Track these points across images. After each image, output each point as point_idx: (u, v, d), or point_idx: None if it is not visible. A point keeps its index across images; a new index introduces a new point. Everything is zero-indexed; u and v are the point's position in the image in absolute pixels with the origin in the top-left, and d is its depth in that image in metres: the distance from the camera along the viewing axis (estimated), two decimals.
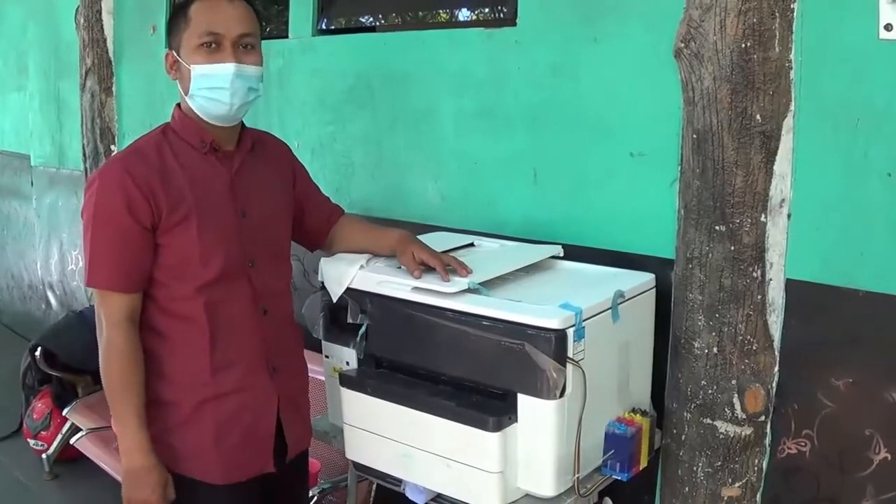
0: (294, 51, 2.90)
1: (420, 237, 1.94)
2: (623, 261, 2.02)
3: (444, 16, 2.63)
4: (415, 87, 2.53)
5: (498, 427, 1.63)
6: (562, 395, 1.61)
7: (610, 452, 1.76)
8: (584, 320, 1.64)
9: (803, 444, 1.85)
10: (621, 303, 1.77)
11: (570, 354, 1.60)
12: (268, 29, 3.31)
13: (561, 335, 1.58)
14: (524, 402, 1.63)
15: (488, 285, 1.77)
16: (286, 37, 2.95)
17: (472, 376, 1.72)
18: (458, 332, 1.69)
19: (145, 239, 1.62)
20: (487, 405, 1.68)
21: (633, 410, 1.87)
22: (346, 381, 1.87)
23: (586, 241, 2.13)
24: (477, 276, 1.77)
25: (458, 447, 1.69)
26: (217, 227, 1.67)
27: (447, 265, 1.79)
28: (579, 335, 1.62)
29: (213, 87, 1.65)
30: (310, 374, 1.95)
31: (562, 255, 2.05)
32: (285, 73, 2.93)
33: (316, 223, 1.95)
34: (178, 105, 1.73)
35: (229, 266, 1.67)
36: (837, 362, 1.78)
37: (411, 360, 1.82)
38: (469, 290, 1.73)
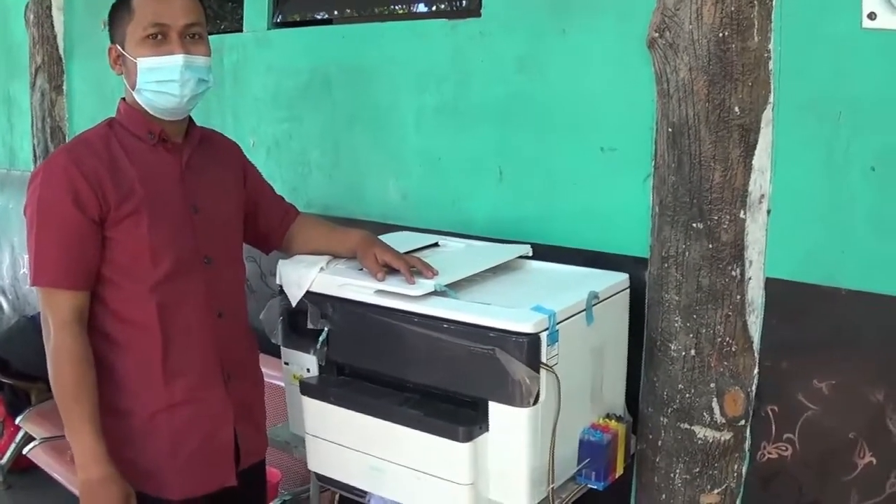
0: (249, 45, 2.79)
1: (382, 237, 1.85)
2: (594, 260, 1.94)
3: (400, 10, 2.52)
4: (374, 82, 2.43)
5: (468, 437, 1.54)
6: (535, 402, 1.52)
7: (585, 461, 1.68)
8: (558, 323, 1.56)
9: (784, 448, 1.78)
10: (595, 304, 1.69)
11: (543, 359, 1.52)
12: (222, 25, 3.20)
13: (534, 339, 1.50)
14: (496, 410, 1.54)
15: (455, 287, 1.68)
16: (241, 30, 2.83)
17: (440, 384, 1.62)
18: (424, 338, 1.60)
19: (93, 232, 1.52)
20: (457, 414, 1.59)
21: (608, 416, 1.79)
22: (308, 389, 1.77)
23: (556, 240, 2.04)
24: (443, 277, 1.68)
25: (427, 458, 1.60)
26: (168, 223, 1.58)
27: (412, 267, 1.70)
28: (553, 339, 1.54)
29: (162, 80, 1.55)
30: (269, 381, 1.85)
31: (531, 254, 1.97)
32: (240, 69, 2.81)
33: (271, 223, 1.86)
34: (124, 99, 1.64)
35: (181, 264, 1.58)
36: (820, 363, 1.72)
37: (375, 367, 1.72)
38: (435, 293, 1.64)
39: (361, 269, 1.77)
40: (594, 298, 1.69)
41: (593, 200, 1.99)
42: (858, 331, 1.66)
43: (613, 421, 1.76)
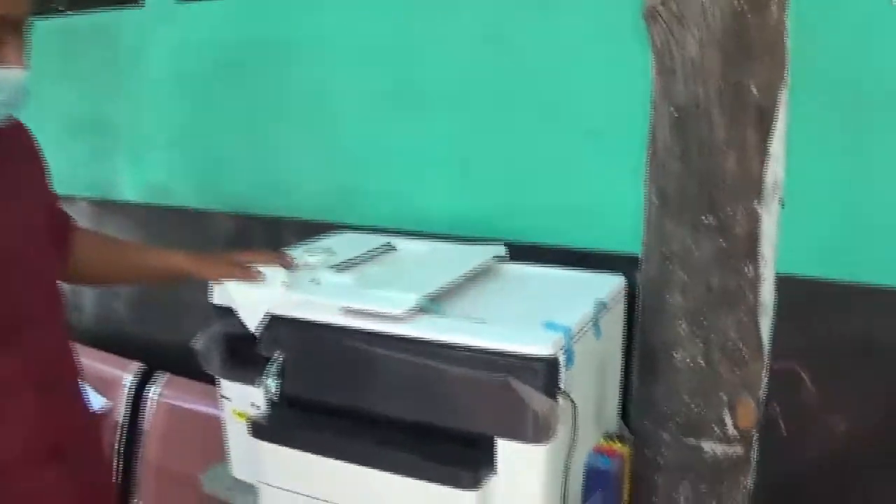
0: (150, 22, 2.40)
1: (320, 239, 1.57)
2: (578, 260, 1.72)
3: None
4: (303, 60, 2.12)
5: (475, 483, 1.29)
6: (552, 436, 1.28)
7: (597, 492, 1.46)
8: (573, 342, 1.32)
9: (794, 460, 1.63)
10: (602, 315, 1.47)
11: (561, 386, 1.28)
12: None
13: (552, 363, 1.26)
14: (505, 448, 1.29)
15: (433, 301, 1.43)
16: (140, 4, 2.44)
17: (429, 419, 1.36)
18: (408, 365, 1.33)
19: None
20: (456, 455, 1.33)
21: (608, 436, 1.58)
22: (262, 431, 1.47)
23: (531, 238, 1.82)
24: (419, 289, 1.41)
25: None
26: None
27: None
28: (570, 361, 1.31)
29: None
30: (201, 409, 1.52)
31: (506, 255, 1.73)
32: (139, 50, 2.43)
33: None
34: None
35: None
36: (835, 367, 1.56)
37: (342, 401, 1.44)
38: (419, 310, 1.37)
39: (319, 283, 1.49)
40: (602, 308, 1.46)
41: (575, 192, 1.77)
42: (880, 330, 1.51)
43: (617, 442, 1.55)
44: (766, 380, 1.60)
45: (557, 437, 1.29)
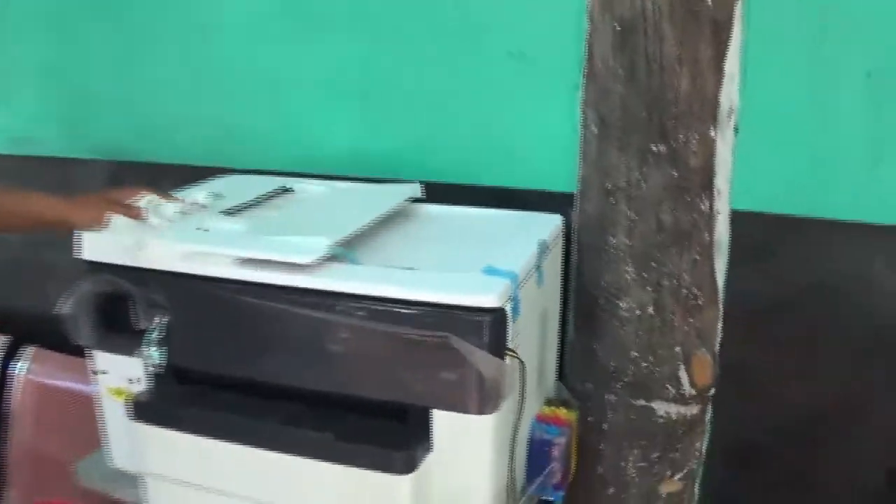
0: None
1: (204, 183, 1.33)
2: (502, 199, 1.51)
3: None
4: None
5: (409, 465, 1.07)
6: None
7: (547, 467, 1.27)
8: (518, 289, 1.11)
9: (751, 419, 1.48)
10: (545, 258, 1.27)
11: (509, 343, 1.07)
12: None
13: (499, 316, 1.04)
14: (443, 421, 1.08)
15: (347, 248, 1.19)
16: None
17: (348, 389, 1.13)
18: (321, 325, 1.09)
19: None
20: (383, 432, 1.10)
21: (550, 402, 1.40)
22: (145, 412, 1.22)
23: (445, 177, 1.58)
24: (325, 233, 1.16)
25: (345, 501, 1.11)
26: None
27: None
28: (516, 312, 1.10)
29: None
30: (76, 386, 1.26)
31: (422, 196, 1.50)
32: None
33: None
34: None
35: None
36: (796, 312, 1.42)
37: (240, 371, 1.19)
38: (332, 258, 1.14)
39: (207, 231, 1.24)
40: (545, 250, 1.26)
41: (497, 122, 1.54)
42: (845, 270, 1.37)
43: (562, 408, 1.36)
44: (720, 330, 1.44)
45: (505, 404, 1.08)
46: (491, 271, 1.09)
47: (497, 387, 1.04)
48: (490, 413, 1.06)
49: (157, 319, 1.21)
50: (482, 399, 1.04)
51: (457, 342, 1.02)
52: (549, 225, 1.34)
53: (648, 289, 1.40)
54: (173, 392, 1.25)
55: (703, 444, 1.49)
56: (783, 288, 1.44)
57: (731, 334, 1.42)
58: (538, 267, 1.23)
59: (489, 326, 1.03)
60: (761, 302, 1.45)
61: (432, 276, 1.10)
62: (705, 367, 1.42)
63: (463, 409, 1.06)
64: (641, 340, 1.42)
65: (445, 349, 1.03)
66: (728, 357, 1.44)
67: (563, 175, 1.49)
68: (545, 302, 1.31)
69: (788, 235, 1.41)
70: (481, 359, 1.03)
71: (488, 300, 1.03)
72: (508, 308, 1.06)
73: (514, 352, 1.08)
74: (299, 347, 1.12)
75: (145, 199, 1.29)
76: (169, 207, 1.29)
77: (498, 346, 1.05)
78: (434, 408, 1.08)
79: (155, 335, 1.21)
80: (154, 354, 1.21)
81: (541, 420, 1.32)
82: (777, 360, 1.47)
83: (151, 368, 1.24)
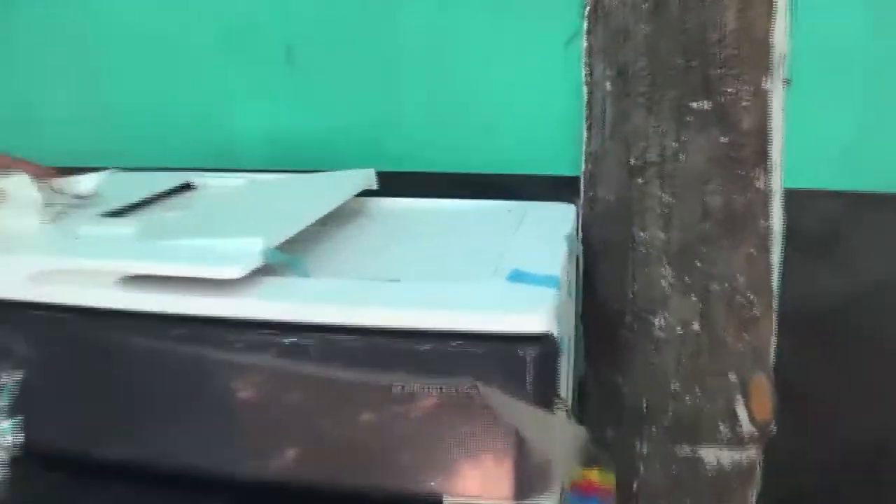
0: None
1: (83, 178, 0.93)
2: (478, 189, 1.14)
3: None
4: None
5: None
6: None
7: None
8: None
9: (806, 455, 1.16)
10: (570, 262, 0.90)
11: (559, 388, 0.70)
12: None
13: (548, 347, 0.67)
14: None
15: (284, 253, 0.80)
16: None
17: (308, 477, 0.72)
18: (263, 377, 0.70)
19: None
20: None
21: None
22: None
23: (404, 164, 1.21)
24: (255, 234, 0.76)
25: None
26: None
27: None
28: (562, 343, 0.72)
29: None
30: None
31: (376, 187, 1.10)
32: None
33: None
34: None
35: None
36: (860, 321, 1.10)
37: (138, 454, 0.78)
38: (271, 270, 0.74)
39: (77, 238, 0.83)
40: (572, 250, 0.90)
41: (472, 87, 1.17)
42: None
43: (594, 471, 0.99)
44: (774, 347, 1.10)
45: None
46: (518, 276, 0.72)
47: (548, 459, 0.66)
48: (535, 498, 0.68)
49: (3, 377, 0.79)
50: (523, 479, 0.66)
51: (485, 392, 0.64)
52: (564, 217, 0.98)
53: (693, 297, 1.05)
54: (40, 484, 0.83)
55: (754, 496, 1.15)
56: (845, 287, 1.12)
57: (780, 349, 1.10)
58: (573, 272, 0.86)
59: (535, 363, 0.65)
60: (816, 306, 1.13)
61: (434, 288, 0.71)
62: (765, 397, 1.08)
63: (492, 495, 0.67)
64: (684, 368, 1.07)
65: (466, 405, 0.64)
66: (778, 380, 1.10)
67: (559, 153, 1.14)
68: (570, 322, 0.94)
69: (849, 217, 1.10)
70: (523, 416, 0.65)
71: (532, 321, 0.65)
72: (556, 332, 0.68)
73: (564, 402, 0.71)
74: (227, 415, 0.71)
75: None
76: (29, 194, 0.88)
77: (546, 394, 0.67)
78: (449, 495, 0.69)
79: (4, 401, 0.80)
80: (5, 429, 0.80)
81: (576, 489, 0.94)
82: (838, 381, 1.14)
83: (4, 451, 0.82)
